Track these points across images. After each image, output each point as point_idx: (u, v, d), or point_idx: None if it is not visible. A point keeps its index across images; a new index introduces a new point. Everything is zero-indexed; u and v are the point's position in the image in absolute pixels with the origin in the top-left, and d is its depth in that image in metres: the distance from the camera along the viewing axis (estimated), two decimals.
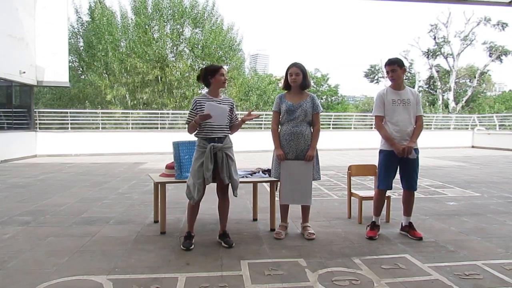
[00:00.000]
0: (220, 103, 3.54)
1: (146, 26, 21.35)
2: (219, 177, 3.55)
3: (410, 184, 3.89)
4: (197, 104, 3.53)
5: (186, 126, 3.60)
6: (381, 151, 3.94)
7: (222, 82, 3.59)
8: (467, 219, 4.60)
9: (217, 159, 3.49)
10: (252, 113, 3.69)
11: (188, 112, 3.61)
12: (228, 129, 3.63)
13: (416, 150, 3.85)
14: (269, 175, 4.22)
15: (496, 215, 4.82)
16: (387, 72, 3.88)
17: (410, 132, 3.81)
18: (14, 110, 12.92)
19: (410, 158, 3.78)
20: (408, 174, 3.88)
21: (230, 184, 3.56)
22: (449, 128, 20.71)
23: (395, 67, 3.80)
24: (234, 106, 3.72)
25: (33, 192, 6.40)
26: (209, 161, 3.44)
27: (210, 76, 3.58)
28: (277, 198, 4.02)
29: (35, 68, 13.06)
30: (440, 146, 18.18)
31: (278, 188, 3.99)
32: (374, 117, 3.97)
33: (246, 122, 3.70)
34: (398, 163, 3.85)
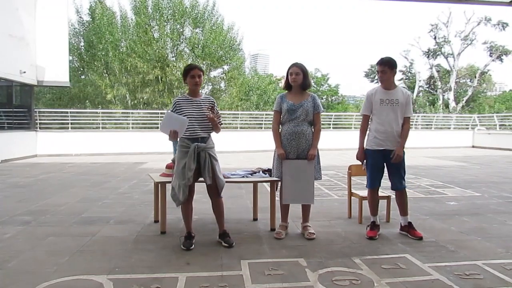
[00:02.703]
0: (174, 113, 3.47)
1: (146, 26, 21.35)
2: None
3: (395, 185, 3.91)
4: (176, 105, 3.55)
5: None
6: (366, 150, 3.96)
7: (194, 84, 3.56)
8: (467, 219, 4.60)
9: (200, 159, 3.48)
10: (210, 115, 3.50)
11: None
12: (211, 129, 3.61)
13: (403, 153, 3.87)
14: (270, 175, 4.22)
15: (497, 215, 4.82)
16: (377, 72, 3.89)
17: (395, 133, 3.82)
18: (14, 110, 12.93)
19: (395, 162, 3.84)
20: (392, 174, 3.90)
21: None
22: (449, 128, 20.69)
23: (385, 68, 3.80)
24: (215, 104, 3.69)
25: (33, 192, 6.40)
26: (192, 161, 3.43)
27: (184, 77, 3.61)
28: (277, 198, 4.02)
29: (35, 68, 13.07)
30: (441, 146, 18.17)
31: (278, 187, 3.99)
32: (361, 116, 4.02)
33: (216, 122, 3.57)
34: (383, 161, 3.87)
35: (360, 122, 4.04)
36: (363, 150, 3.92)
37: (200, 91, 3.76)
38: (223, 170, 3.88)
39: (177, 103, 3.57)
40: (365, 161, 3.92)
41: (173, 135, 3.40)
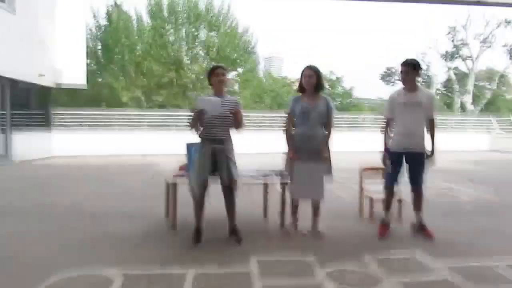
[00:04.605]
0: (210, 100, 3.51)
1: (162, 30, 21.61)
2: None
3: (415, 179, 3.87)
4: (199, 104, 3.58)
5: (189, 124, 3.62)
6: (389, 152, 3.92)
7: (218, 82, 3.61)
8: (481, 219, 4.51)
9: (217, 160, 3.52)
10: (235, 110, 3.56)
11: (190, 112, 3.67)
12: (231, 131, 3.64)
13: (423, 154, 3.84)
14: (281, 177, 4.20)
15: (511, 215, 4.72)
16: (400, 72, 3.86)
17: (418, 136, 3.79)
18: (32, 111, 13.23)
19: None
20: (413, 174, 3.87)
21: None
22: (466, 131, 20.31)
23: (408, 68, 3.77)
24: (240, 105, 3.71)
25: (47, 188, 6.53)
26: (207, 161, 3.49)
27: (209, 79, 3.69)
28: (287, 194, 4.01)
29: (53, 70, 13.37)
30: (457, 149, 17.81)
31: (288, 186, 3.98)
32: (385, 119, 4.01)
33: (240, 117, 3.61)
34: (402, 161, 3.84)
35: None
36: (387, 152, 3.89)
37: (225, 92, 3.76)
38: None
39: (199, 101, 3.59)
40: (388, 161, 3.88)
41: (198, 112, 3.42)
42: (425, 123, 3.84)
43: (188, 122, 3.64)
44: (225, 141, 3.59)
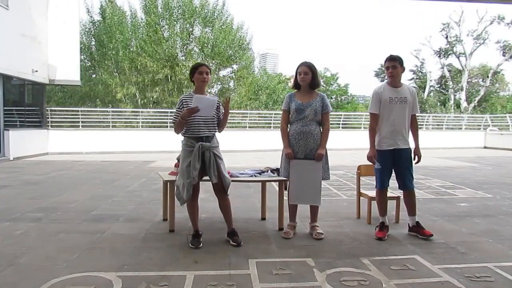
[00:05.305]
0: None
1: (156, 25, 21.46)
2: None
3: (404, 184, 3.88)
4: (183, 103, 3.54)
5: (173, 125, 3.58)
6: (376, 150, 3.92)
7: (201, 81, 3.58)
8: (478, 221, 4.54)
9: (205, 158, 3.50)
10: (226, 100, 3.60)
11: (174, 111, 3.61)
12: (215, 128, 3.63)
13: (409, 150, 3.84)
14: (278, 174, 4.21)
15: (508, 216, 4.75)
16: (387, 68, 3.85)
17: (404, 132, 3.81)
18: (26, 108, 13.11)
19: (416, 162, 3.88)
20: (401, 174, 3.87)
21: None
22: (461, 128, 20.45)
23: (396, 63, 3.78)
24: (221, 104, 3.70)
25: (44, 189, 6.48)
26: (196, 160, 3.44)
27: (191, 75, 3.64)
28: (285, 198, 4.02)
29: (47, 66, 13.24)
30: (452, 146, 17.97)
31: (286, 187, 3.98)
32: (369, 114, 3.96)
33: (229, 114, 3.67)
34: (392, 161, 3.85)
35: (369, 122, 4.00)
36: (374, 149, 3.89)
37: (208, 90, 3.77)
38: (232, 169, 3.89)
39: (183, 101, 3.57)
40: (379, 158, 3.88)
41: (192, 110, 3.35)
42: (409, 119, 3.85)
43: (173, 122, 3.57)
44: (211, 139, 3.57)
